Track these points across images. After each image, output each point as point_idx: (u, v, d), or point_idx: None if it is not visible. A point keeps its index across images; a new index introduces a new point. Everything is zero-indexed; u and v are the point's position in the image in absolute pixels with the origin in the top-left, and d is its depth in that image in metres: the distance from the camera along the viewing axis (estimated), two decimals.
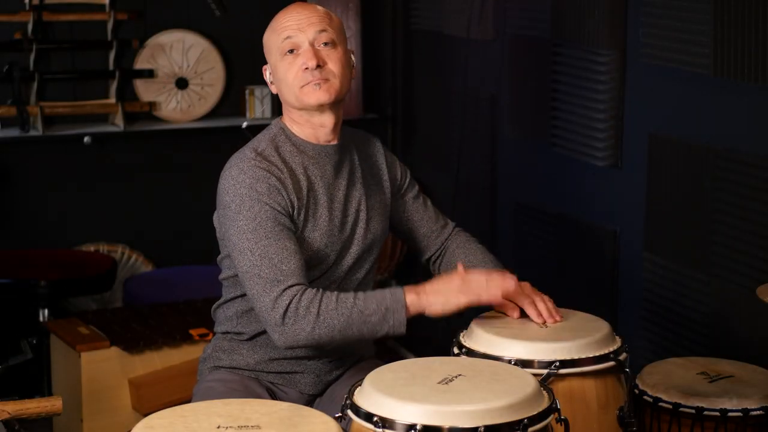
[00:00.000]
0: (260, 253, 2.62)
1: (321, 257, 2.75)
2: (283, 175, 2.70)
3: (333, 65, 2.74)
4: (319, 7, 2.81)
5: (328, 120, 2.77)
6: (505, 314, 2.74)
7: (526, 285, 2.77)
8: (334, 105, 2.77)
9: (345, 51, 2.79)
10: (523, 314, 2.73)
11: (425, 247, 3.02)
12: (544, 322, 2.70)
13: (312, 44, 2.73)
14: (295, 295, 2.59)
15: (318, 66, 2.72)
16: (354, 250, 2.82)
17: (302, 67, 2.73)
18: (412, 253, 3.09)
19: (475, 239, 3.03)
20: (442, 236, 3.01)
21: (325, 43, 2.74)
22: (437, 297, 2.63)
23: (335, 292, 2.63)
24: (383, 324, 2.60)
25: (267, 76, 2.83)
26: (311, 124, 2.78)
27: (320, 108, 2.75)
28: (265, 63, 2.84)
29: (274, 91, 2.81)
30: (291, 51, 2.74)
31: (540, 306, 2.72)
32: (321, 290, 2.62)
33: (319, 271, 2.76)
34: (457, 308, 2.64)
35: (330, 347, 2.75)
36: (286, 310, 2.59)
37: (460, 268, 2.69)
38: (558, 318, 2.71)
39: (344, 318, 2.59)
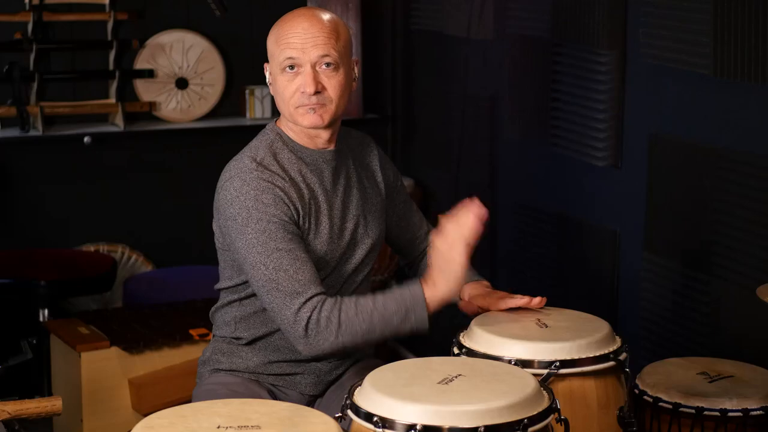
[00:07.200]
0: (274, 266, 2.61)
1: (322, 264, 2.74)
2: (286, 184, 2.68)
3: (332, 90, 2.68)
4: (328, 20, 2.69)
5: (323, 134, 2.76)
6: (502, 312, 2.75)
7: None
8: (329, 124, 2.74)
9: (347, 72, 2.72)
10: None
11: (407, 253, 3.05)
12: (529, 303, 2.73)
13: (313, 66, 2.66)
14: (315, 307, 2.59)
15: (316, 92, 2.67)
16: (353, 255, 2.82)
17: (300, 89, 2.67)
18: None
19: None
20: (424, 243, 3.01)
21: (327, 64, 2.67)
22: (449, 283, 2.59)
23: (354, 298, 2.62)
24: (405, 323, 2.60)
25: (268, 76, 2.76)
26: (307, 134, 2.76)
27: (314, 128, 2.73)
28: (266, 60, 2.77)
29: (273, 93, 2.76)
30: (291, 68, 2.68)
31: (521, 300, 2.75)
32: (339, 298, 2.61)
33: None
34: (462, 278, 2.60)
35: (356, 350, 2.78)
36: (308, 322, 2.58)
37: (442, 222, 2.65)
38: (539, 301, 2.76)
39: (366, 324, 2.59)
